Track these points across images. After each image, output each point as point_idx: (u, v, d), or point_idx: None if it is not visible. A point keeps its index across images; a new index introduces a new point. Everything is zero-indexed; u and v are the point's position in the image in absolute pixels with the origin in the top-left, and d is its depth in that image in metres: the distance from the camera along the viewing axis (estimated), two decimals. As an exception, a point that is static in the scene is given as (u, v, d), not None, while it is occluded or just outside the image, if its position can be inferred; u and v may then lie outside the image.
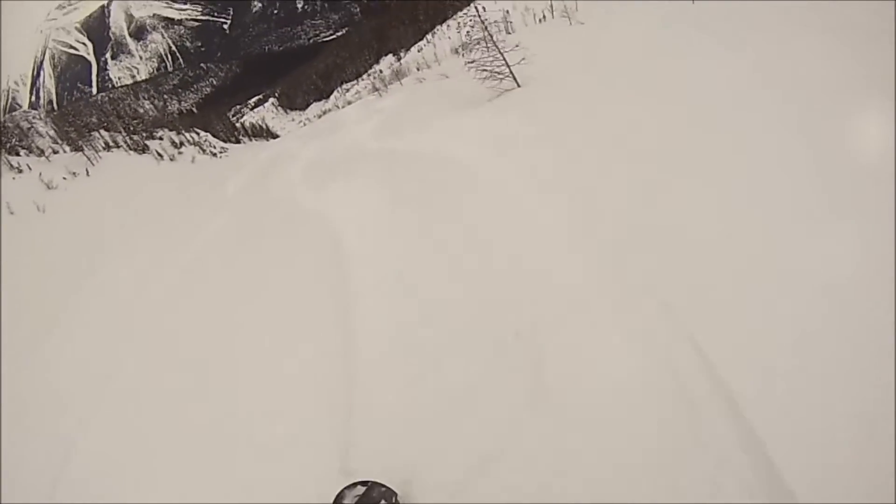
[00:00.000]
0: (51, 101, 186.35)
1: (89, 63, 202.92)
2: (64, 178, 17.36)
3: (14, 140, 19.94)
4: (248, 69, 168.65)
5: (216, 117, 49.32)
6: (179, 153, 25.37)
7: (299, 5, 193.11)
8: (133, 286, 9.11)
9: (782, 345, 3.13)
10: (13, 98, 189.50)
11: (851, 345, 3.02)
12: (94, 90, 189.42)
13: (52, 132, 22.53)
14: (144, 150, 23.52)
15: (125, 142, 23.58)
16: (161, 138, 27.05)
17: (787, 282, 3.57)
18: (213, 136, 35.66)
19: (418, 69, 24.27)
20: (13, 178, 16.14)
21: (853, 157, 4.45)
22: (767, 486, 2.47)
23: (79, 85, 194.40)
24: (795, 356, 3.04)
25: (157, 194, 17.30)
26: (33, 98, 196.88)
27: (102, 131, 24.22)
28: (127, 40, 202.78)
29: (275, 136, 50.01)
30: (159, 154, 23.32)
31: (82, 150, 20.52)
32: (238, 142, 40.79)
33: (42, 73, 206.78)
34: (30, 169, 17.25)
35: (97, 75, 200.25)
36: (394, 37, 63.23)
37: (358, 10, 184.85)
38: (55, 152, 20.14)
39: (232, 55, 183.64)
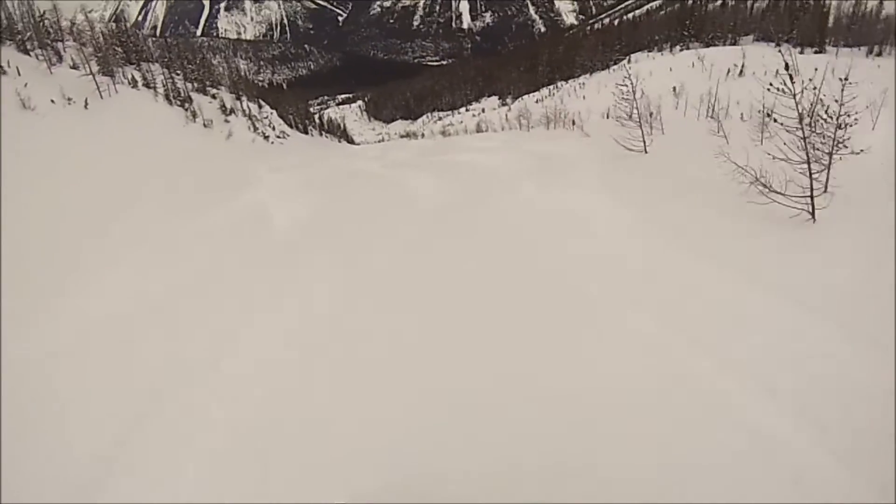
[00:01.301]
0: (155, 27, 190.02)
1: (203, 5, 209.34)
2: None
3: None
4: (347, 65, 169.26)
5: (299, 99, 46.79)
6: (226, 121, 20.15)
7: (415, 23, 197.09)
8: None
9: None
10: (122, 10, 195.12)
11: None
12: (199, 32, 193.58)
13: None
14: (184, 103, 18.39)
15: (166, 85, 18.54)
16: (214, 97, 22.02)
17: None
18: (281, 116, 30.98)
19: (549, 121, 19.00)
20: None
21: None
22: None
23: (186, 23, 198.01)
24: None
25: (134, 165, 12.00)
26: (140, 18, 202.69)
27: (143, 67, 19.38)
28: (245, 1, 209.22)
29: (350, 140, 46.44)
30: (192, 113, 18.07)
31: (112, 76, 16.58)
32: (306, 131, 36.17)
33: None
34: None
35: (206, 20, 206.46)
36: (503, 79, 61.52)
37: (469, 45, 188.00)
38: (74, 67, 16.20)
39: (337, 47, 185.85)
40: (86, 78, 15.45)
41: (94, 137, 12.63)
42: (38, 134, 11.28)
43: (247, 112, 23.47)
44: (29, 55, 15.45)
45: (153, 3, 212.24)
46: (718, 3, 58.28)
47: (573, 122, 17.11)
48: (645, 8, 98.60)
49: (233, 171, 14.03)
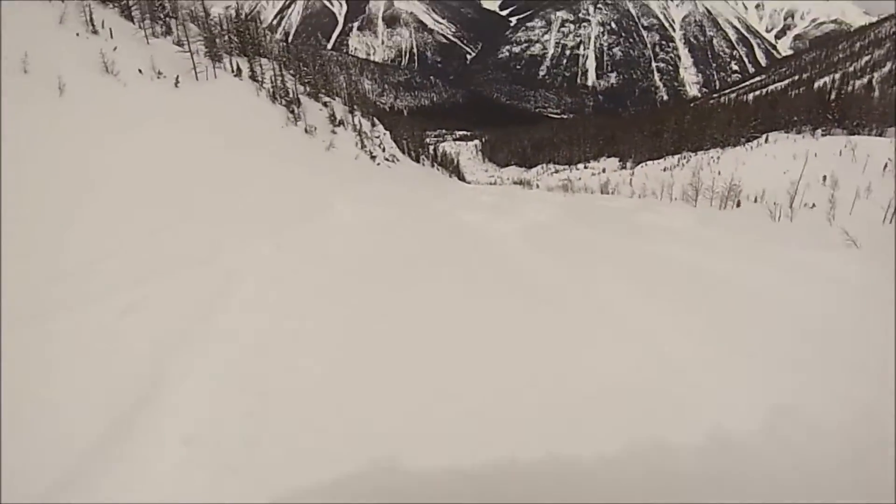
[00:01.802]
0: (287, 34, 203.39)
1: (336, 22, 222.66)
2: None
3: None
4: (469, 103, 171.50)
5: (417, 127, 46.86)
6: (332, 131, 17.78)
7: (541, 73, 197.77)
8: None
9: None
10: (257, 10, 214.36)
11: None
12: (329, 46, 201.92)
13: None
14: (289, 104, 16.23)
15: (274, 82, 16.52)
16: (325, 105, 19.88)
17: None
18: (395, 140, 28.88)
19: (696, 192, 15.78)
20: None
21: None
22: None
23: (318, 35, 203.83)
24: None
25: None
26: (274, 22, 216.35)
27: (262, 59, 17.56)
28: (378, 21, 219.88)
29: (461, 177, 44.44)
30: (295, 116, 15.77)
31: (217, 60, 15.19)
32: (417, 160, 34.01)
33: (295, 5, 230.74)
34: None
35: (338, 35, 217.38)
36: (625, 141, 58.63)
37: (591, 102, 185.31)
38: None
39: (462, 84, 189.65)
40: (184, 56, 13.54)
41: (172, 117, 10.47)
42: (110, 101, 9.41)
43: (357, 127, 21.15)
44: (132, 22, 13.85)
45: (290, 11, 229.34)
46: (864, 81, 51.88)
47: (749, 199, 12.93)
48: (770, 88, 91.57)
49: (309, 187, 11.09)
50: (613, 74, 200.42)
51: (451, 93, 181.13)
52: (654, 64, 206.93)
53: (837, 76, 60.96)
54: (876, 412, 2.93)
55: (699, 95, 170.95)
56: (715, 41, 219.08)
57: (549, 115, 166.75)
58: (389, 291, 4.63)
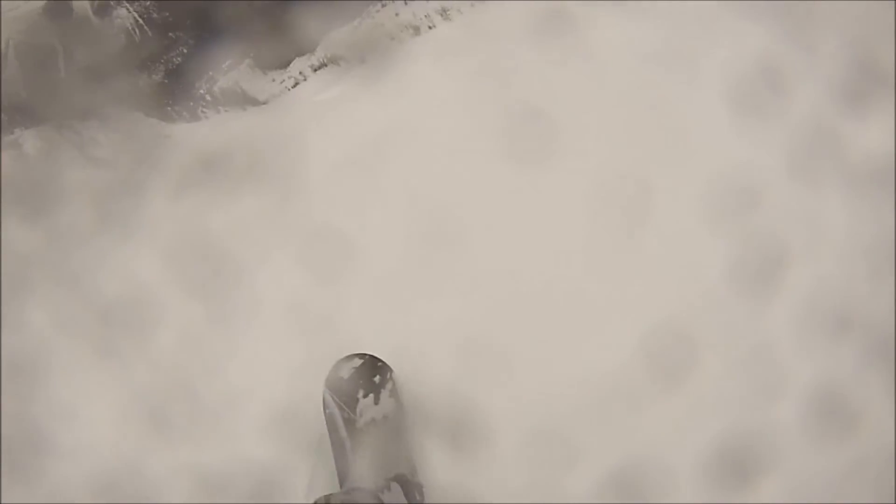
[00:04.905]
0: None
1: (57, 49, 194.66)
2: None
3: None
4: (216, 32, 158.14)
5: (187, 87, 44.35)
6: None
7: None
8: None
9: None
10: None
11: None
12: (62, 72, 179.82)
13: None
14: None
15: None
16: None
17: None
18: (147, 113, 28.06)
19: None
20: None
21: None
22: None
23: (48, 66, 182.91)
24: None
25: None
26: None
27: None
28: (91, 20, 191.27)
29: (254, 102, 42.79)
30: None
31: None
32: (197, 118, 33.17)
33: (8, 64, 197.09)
34: None
35: (63, 57, 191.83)
36: None
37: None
38: None
39: (202, 21, 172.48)
40: None
41: None
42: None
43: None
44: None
45: (8, 72, 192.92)
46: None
47: None
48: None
49: None
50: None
51: (195, 35, 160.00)
52: None
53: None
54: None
55: None
56: None
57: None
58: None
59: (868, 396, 1.68)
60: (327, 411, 1.72)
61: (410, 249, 2.56)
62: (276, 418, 2.21)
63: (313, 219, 2.69)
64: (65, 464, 1.97)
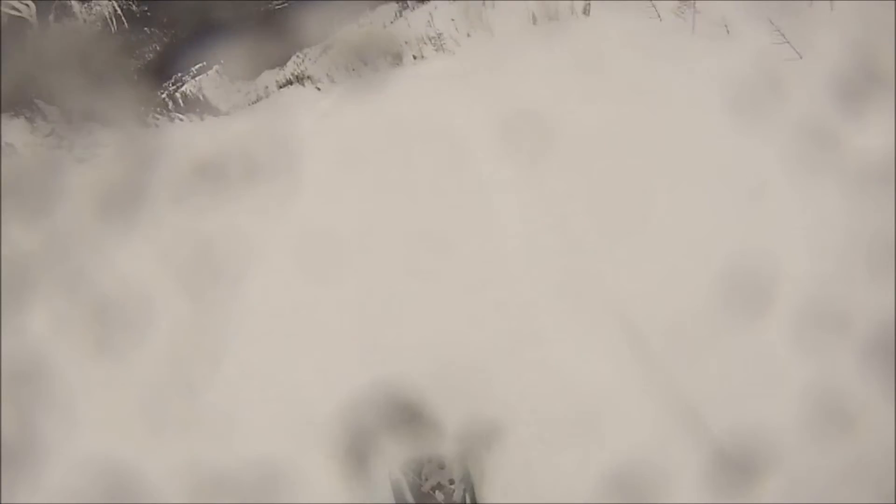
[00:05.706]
0: None
1: (32, 24, 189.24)
2: None
3: None
4: (192, 34, 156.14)
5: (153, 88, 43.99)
6: None
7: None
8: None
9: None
10: None
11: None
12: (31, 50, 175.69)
13: None
14: None
15: None
16: None
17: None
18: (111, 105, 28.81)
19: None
20: None
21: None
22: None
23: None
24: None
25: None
26: None
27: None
28: (71, 1, 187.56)
29: (215, 112, 42.67)
30: None
31: None
32: (145, 125, 33.54)
33: None
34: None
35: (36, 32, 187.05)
36: None
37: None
38: None
39: (178, 21, 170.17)
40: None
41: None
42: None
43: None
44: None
45: None
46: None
47: None
48: None
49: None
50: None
51: (170, 34, 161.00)
52: None
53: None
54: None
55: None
56: None
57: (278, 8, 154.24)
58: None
59: (868, 396, 1.57)
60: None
61: (410, 250, 2.60)
62: (274, 417, 2.14)
63: (306, 225, 2.70)
64: (65, 464, 1.84)
